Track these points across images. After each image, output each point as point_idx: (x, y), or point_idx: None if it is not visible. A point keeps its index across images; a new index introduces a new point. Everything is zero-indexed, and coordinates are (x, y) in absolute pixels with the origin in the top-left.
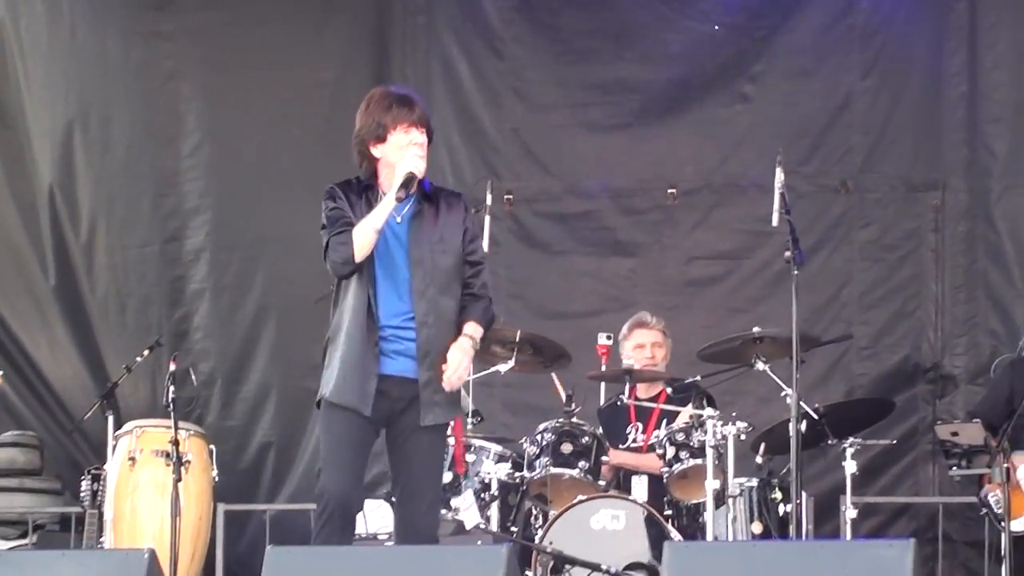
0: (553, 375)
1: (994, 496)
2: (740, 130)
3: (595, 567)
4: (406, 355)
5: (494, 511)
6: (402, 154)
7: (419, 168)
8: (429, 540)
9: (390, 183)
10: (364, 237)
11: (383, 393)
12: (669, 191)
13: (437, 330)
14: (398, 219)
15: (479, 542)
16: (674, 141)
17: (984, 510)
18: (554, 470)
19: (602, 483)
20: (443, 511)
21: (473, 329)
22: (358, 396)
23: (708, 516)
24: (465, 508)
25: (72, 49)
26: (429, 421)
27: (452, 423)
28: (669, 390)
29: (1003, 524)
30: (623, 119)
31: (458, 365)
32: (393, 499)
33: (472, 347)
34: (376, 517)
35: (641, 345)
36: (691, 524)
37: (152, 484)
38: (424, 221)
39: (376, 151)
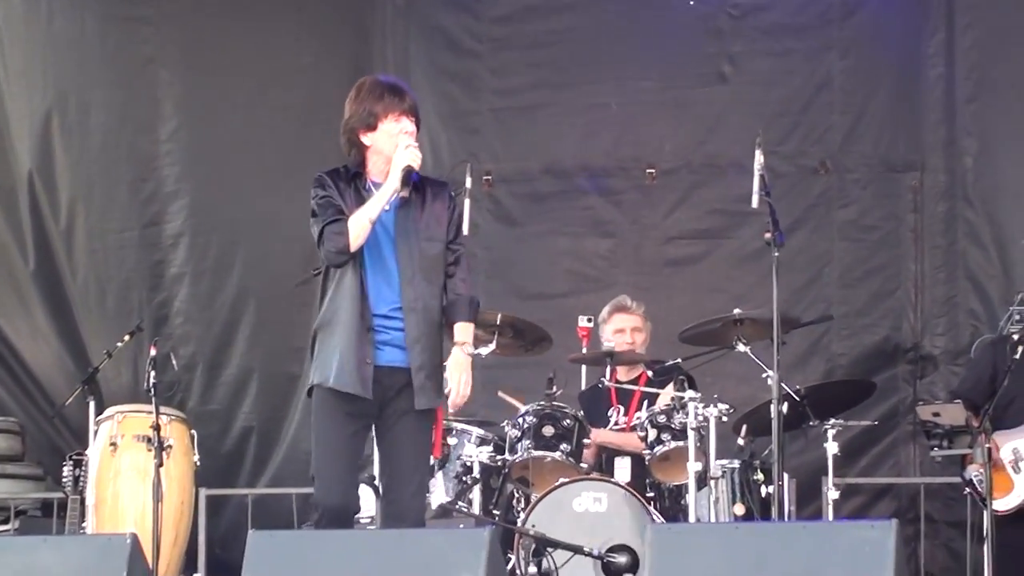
0: (500, 393)
1: (977, 475)
2: (719, 110)
3: (577, 549)
4: (393, 344)
5: (476, 494)
6: (393, 142)
7: (416, 161)
8: (415, 525)
9: (379, 171)
10: (360, 227)
11: (376, 382)
12: (648, 171)
13: (424, 315)
14: (386, 208)
15: (461, 525)
16: (653, 121)
17: (967, 489)
18: (536, 453)
19: (584, 466)
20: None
21: (463, 332)
22: (359, 380)
23: (690, 498)
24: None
25: (50, 35)
26: (423, 405)
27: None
28: (650, 373)
29: (986, 503)
30: (601, 99)
31: (459, 382)
32: (378, 483)
33: (467, 354)
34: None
35: (621, 330)
36: (673, 506)
37: (134, 469)
38: (411, 210)
39: (366, 139)
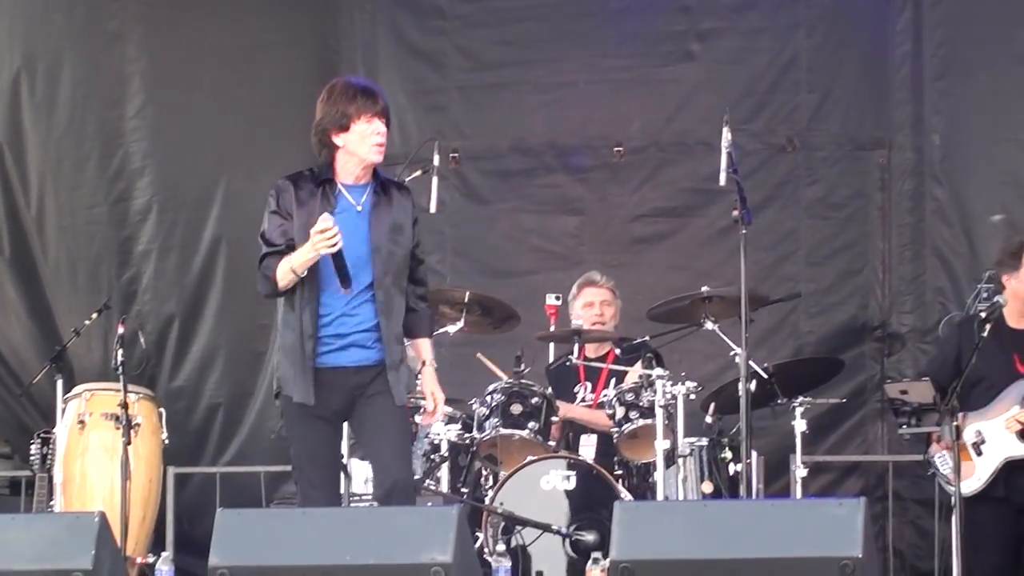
0: (480, 355)
1: (940, 456)
2: (687, 88)
3: (546, 527)
4: (358, 345)
5: (444, 472)
6: (366, 144)
7: (335, 244)
8: (405, 489)
9: (348, 173)
10: (285, 276)
11: (336, 386)
12: (615, 149)
13: (396, 315)
14: (358, 208)
15: (429, 503)
16: (620, 99)
17: (931, 470)
18: (504, 431)
19: (552, 443)
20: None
21: (428, 349)
22: (303, 391)
23: (658, 476)
24: None
25: (16, 10)
26: (402, 400)
27: None
28: (618, 350)
29: (950, 484)
30: (569, 76)
31: (435, 397)
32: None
33: (434, 368)
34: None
35: (590, 303)
36: (641, 484)
37: (102, 447)
38: (381, 210)
39: (338, 140)
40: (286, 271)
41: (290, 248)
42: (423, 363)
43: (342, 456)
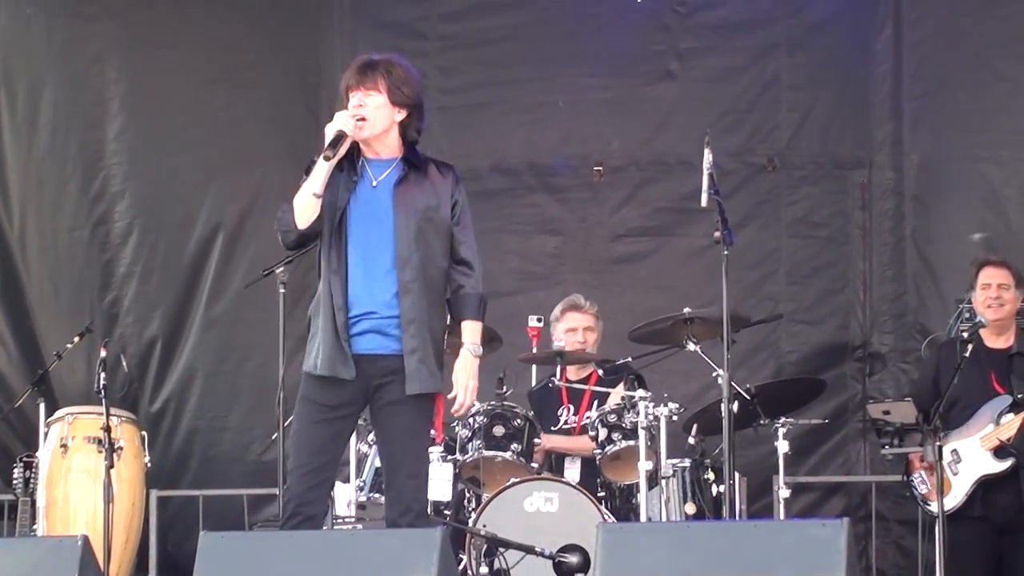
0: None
1: (918, 477)
2: (667, 107)
3: (529, 549)
4: (377, 331)
5: None
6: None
7: (347, 126)
8: (415, 507)
9: (368, 148)
10: (303, 202)
11: (358, 371)
12: (595, 168)
13: (423, 297)
14: (373, 183)
15: None
16: (600, 118)
17: (909, 492)
18: (486, 453)
19: (535, 466)
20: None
21: (471, 333)
22: (330, 363)
23: (641, 497)
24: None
25: None
26: (413, 390)
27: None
28: (600, 372)
29: (930, 507)
30: (549, 96)
31: (466, 387)
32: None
33: (475, 355)
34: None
35: (573, 329)
36: (624, 506)
37: (84, 471)
38: (409, 188)
39: None
40: (305, 197)
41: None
42: (461, 345)
43: (341, 453)
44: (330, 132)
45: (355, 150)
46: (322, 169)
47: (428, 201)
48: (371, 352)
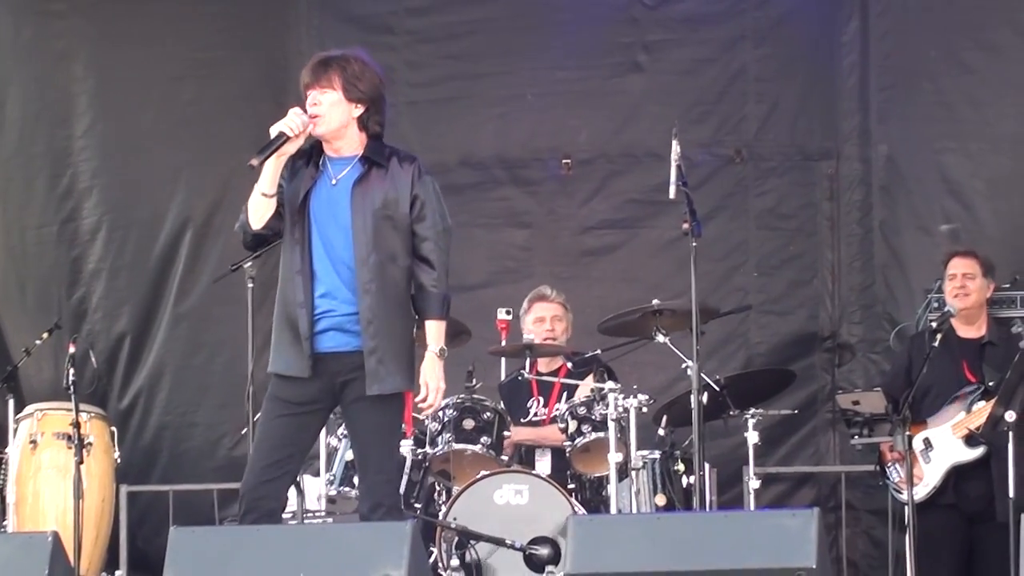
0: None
1: (891, 466)
2: (635, 100)
3: (500, 542)
4: (339, 328)
5: None
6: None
7: (291, 126)
8: (384, 508)
9: (328, 145)
10: (253, 203)
11: (322, 368)
12: (564, 161)
13: (382, 297)
14: (333, 182)
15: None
16: (568, 111)
17: (882, 480)
18: (456, 446)
19: (504, 458)
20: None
21: (435, 333)
22: (288, 361)
23: (611, 489)
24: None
25: None
26: (375, 391)
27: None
28: (570, 364)
29: (901, 493)
30: (517, 89)
31: (435, 389)
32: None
33: (439, 357)
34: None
35: (541, 319)
36: (594, 497)
37: (54, 467)
38: (369, 186)
39: None
40: (254, 198)
41: (280, 203)
42: (426, 348)
43: (307, 447)
44: (273, 131)
45: (317, 148)
46: (268, 169)
47: (387, 198)
48: (334, 350)
